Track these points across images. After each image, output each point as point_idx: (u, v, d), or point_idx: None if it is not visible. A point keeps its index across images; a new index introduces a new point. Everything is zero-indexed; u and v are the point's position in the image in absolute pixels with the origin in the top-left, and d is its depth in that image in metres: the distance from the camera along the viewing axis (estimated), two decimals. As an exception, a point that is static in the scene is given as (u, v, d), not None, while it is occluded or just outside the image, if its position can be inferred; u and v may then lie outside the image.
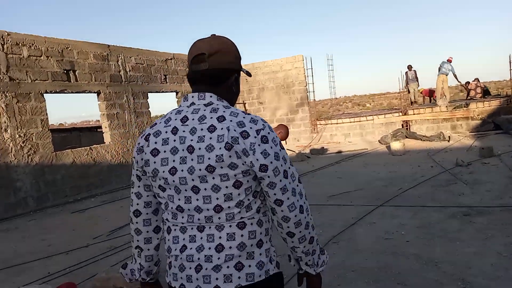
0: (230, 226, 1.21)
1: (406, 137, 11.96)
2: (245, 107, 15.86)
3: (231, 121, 1.20)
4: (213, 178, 1.18)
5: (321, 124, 14.82)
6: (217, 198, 1.19)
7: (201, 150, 1.19)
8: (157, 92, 11.61)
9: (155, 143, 1.25)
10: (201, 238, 1.22)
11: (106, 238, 5.30)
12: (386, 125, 13.79)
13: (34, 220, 6.98)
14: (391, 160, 9.18)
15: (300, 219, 1.24)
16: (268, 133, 1.22)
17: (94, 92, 9.51)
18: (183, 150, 1.21)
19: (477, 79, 15.67)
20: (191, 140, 1.21)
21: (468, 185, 5.88)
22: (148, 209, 1.37)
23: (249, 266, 1.21)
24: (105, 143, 9.77)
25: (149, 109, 11.10)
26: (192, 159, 1.19)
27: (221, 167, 1.17)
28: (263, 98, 15.59)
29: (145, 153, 1.27)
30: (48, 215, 7.33)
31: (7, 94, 7.43)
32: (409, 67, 15.86)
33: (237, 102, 14.98)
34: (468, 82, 16.98)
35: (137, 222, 1.38)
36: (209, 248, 1.21)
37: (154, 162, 1.24)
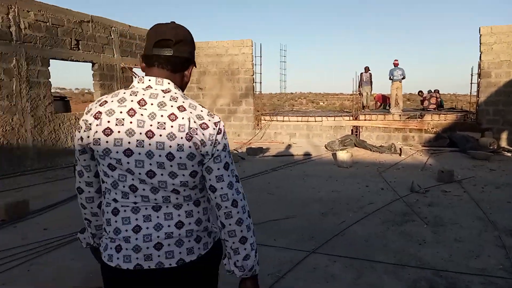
0: (188, 204, 1.31)
1: (355, 145, 10.65)
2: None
3: (191, 112, 1.26)
4: (171, 166, 1.24)
5: (265, 120, 13.20)
6: (173, 184, 1.26)
7: (162, 137, 1.22)
8: (63, 59, 9.28)
9: (108, 122, 1.23)
10: (157, 217, 1.27)
11: None
12: (335, 129, 12.46)
13: None
14: (336, 173, 7.72)
15: (231, 211, 1.29)
16: (223, 126, 1.31)
17: (-35, 48, 7.11)
18: (140, 133, 1.23)
19: (437, 91, 14.79)
20: (151, 125, 1.23)
21: (429, 226, 4.45)
22: (90, 188, 1.39)
23: (204, 236, 1.35)
24: (-24, 117, 7.42)
25: (49, 79, 8.79)
26: (150, 144, 1.22)
27: (180, 157, 1.23)
28: (204, 84, 13.68)
29: (96, 132, 1.24)
30: None
31: None
32: (366, 69, 14.65)
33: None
34: (421, 91, 16.17)
35: (81, 198, 1.42)
36: (169, 226, 1.27)
37: (107, 142, 1.23)
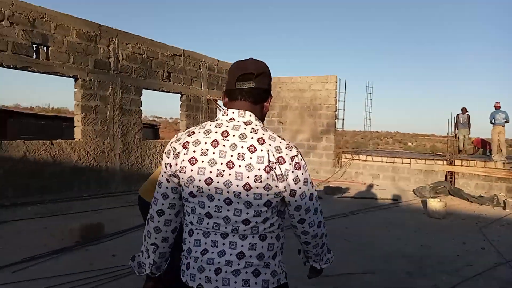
0: (253, 237, 1.33)
1: (449, 194, 9.49)
2: (263, 123, 13.86)
3: (270, 145, 1.32)
4: (247, 195, 1.29)
5: (346, 158, 12.54)
6: (247, 213, 1.31)
7: (240, 167, 1.29)
8: (155, 90, 9.86)
9: (194, 151, 1.34)
10: (223, 244, 1.33)
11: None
12: (426, 173, 11.32)
13: None
14: (426, 224, 6.82)
15: (317, 232, 1.44)
16: (301, 159, 1.35)
17: (70, 77, 7.84)
18: (221, 164, 1.30)
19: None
20: (231, 155, 1.30)
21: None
22: (172, 210, 1.44)
23: (265, 273, 1.34)
24: (74, 139, 8.04)
25: (140, 107, 9.33)
26: (229, 174, 1.29)
27: (257, 187, 1.29)
28: (285, 118, 13.55)
29: (183, 160, 1.34)
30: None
31: None
32: (463, 110, 13.31)
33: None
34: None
35: (158, 221, 1.45)
36: (230, 254, 1.32)
37: (191, 170, 1.32)
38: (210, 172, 1.30)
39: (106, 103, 8.46)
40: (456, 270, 4.40)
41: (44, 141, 7.39)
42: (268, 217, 1.34)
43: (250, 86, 1.38)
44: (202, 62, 11.48)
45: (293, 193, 1.33)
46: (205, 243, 1.34)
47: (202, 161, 1.31)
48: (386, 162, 11.90)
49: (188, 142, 1.35)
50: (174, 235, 1.49)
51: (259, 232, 1.33)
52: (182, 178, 1.34)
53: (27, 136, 9.65)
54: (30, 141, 7.16)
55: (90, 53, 8.12)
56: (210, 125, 1.38)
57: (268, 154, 1.29)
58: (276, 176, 1.29)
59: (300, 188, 1.33)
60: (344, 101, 12.86)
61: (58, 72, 7.55)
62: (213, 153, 1.31)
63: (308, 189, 1.36)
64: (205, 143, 1.33)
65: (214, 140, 1.33)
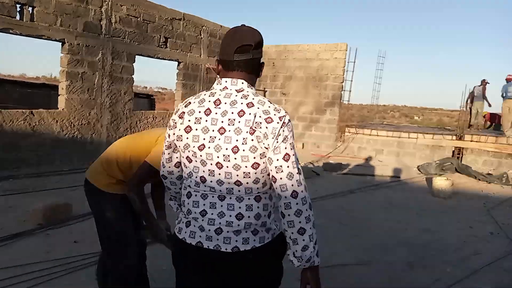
0: (249, 198, 1.43)
1: (456, 171, 9.03)
2: (264, 95, 13.31)
3: (258, 108, 1.39)
4: (235, 158, 1.37)
5: (350, 133, 12.03)
6: (237, 175, 1.40)
7: (230, 132, 1.38)
8: (149, 56, 9.28)
9: (189, 121, 1.44)
10: (221, 206, 1.43)
11: None
12: (432, 149, 10.82)
13: None
14: (431, 204, 6.40)
15: (290, 202, 1.38)
16: (288, 120, 1.41)
17: (56, 40, 7.30)
18: (213, 130, 1.40)
19: None
20: (222, 122, 1.39)
21: None
22: (171, 176, 1.62)
23: (262, 231, 1.45)
24: (57, 109, 7.58)
25: (132, 75, 8.81)
26: (219, 139, 1.38)
27: (243, 150, 1.37)
28: (288, 89, 12.96)
29: (179, 129, 1.47)
30: None
31: None
32: (483, 82, 12.57)
33: (257, 89, 12.42)
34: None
35: (165, 183, 1.67)
36: (230, 216, 1.41)
37: (187, 138, 1.44)
38: (204, 139, 1.40)
39: (95, 70, 7.95)
40: (462, 260, 4.00)
41: (23, 110, 6.93)
42: (258, 178, 1.41)
43: (248, 58, 1.44)
44: (204, 28, 10.81)
45: (277, 150, 1.37)
46: (204, 204, 1.44)
47: (196, 129, 1.42)
48: (392, 136, 11.38)
49: (184, 112, 1.46)
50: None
51: (253, 193, 1.42)
52: (179, 146, 1.47)
53: (9, 105, 9.20)
54: (7, 111, 6.69)
55: (80, 15, 7.54)
56: (205, 94, 1.47)
57: (255, 116, 1.36)
58: (262, 135, 1.35)
59: (277, 142, 1.37)
60: (353, 71, 12.20)
61: (43, 35, 7.01)
62: (206, 121, 1.41)
63: (285, 147, 1.38)
64: (199, 112, 1.42)
65: (207, 109, 1.42)
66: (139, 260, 2.40)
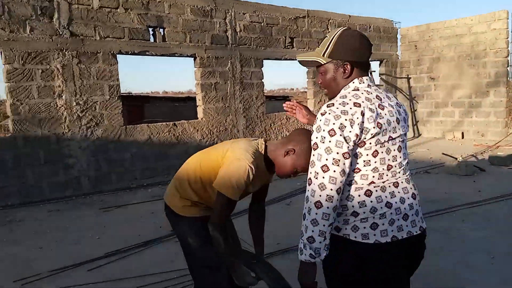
0: (411, 177, 1.57)
1: None
2: (408, 83, 11.87)
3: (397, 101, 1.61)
4: (402, 141, 1.54)
5: (525, 116, 9.70)
6: (404, 157, 1.54)
7: (402, 121, 1.55)
8: (277, 59, 9.18)
9: (385, 114, 1.48)
10: (399, 192, 1.48)
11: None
12: None
13: (58, 211, 5.58)
14: None
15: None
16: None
17: (188, 56, 7.78)
18: (393, 121, 1.49)
19: None
20: (396, 112, 1.52)
21: None
22: (340, 191, 1.45)
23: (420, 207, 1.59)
24: (197, 119, 8.06)
25: (262, 80, 8.83)
26: (399, 129, 1.52)
27: (406, 134, 1.58)
28: (437, 72, 11.27)
29: (371, 128, 1.43)
30: (85, 206, 6.06)
31: (66, 52, 6.28)
32: None
33: (400, 76, 11.21)
34: None
35: (337, 200, 1.40)
36: (408, 198, 1.49)
37: (378, 133, 1.45)
38: (391, 130, 1.48)
39: (226, 79, 8.20)
40: None
41: (167, 123, 7.55)
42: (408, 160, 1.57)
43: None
44: (330, 21, 10.24)
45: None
46: (386, 197, 1.45)
47: (384, 123, 1.46)
48: None
49: (375, 108, 1.46)
50: None
51: (409, 173, 1.57)
52: (370, 143, 1.43)
53: (158, 119, 10.24)
54: (154, 124, 7.39)
55: (206, 29, 7.90)
56: (362, 93, 1.50)
57: (401, 107, 1.61)
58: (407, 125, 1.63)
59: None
60: (520, 41, 9.87)
61: (176, 53, 7.55)
62: (385, 114, 1.47)
63: None
64: (378, 106, 1.47)
65: (379, 105, 1.48)
66: (231, 283, 2.08)
